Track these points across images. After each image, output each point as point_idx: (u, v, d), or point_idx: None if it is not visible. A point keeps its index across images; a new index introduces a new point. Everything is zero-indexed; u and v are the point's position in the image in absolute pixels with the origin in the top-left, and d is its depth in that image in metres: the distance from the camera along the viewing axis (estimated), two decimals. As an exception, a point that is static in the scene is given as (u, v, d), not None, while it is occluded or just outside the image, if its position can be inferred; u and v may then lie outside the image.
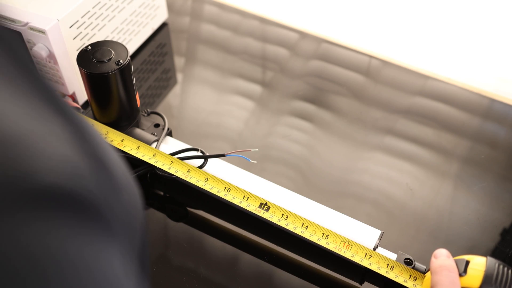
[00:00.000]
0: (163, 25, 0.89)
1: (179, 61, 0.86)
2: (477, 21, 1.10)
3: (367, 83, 0.82)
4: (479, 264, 0.48)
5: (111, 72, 0.60)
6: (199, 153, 0.63)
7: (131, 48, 0.82)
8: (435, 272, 0.49)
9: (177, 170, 0.60)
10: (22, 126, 0.20)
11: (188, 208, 0.65)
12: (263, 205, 0.58)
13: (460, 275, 0.48)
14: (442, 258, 0.50)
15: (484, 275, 0.47)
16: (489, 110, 0.79)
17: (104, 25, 0.74)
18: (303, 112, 0.77)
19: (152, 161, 0.61)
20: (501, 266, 0.47)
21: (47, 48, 0.66)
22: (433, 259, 0.50)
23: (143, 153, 0.61)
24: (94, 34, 0.72)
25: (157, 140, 0.65)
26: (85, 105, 0.74)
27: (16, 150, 0.19)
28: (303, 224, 0.56)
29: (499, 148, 0.74)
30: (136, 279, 0.24)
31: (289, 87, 0.81)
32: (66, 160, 0.21)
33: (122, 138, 0.63)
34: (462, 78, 0.83)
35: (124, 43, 0.79)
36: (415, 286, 0.52)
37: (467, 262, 0.48)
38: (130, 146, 0.62)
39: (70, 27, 0.67)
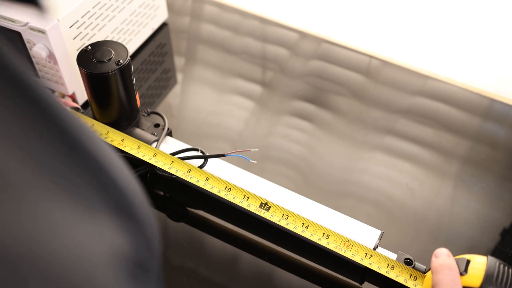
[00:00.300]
0: (163, 25, 0.89)
1: (179, 61, 0.86)
2: (477, 21, 1.10)
3: (367, 83, 0.82)
4: (479, 263, 0.48)
5: (111, 72, 0.60)
6: (199, 153, 0.63)
7: (131, 48, 0.82)
8: (436, 271, 0.49)
9: (178, 170, 0.60)
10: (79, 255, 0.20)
11: (188, 208, 0.65)
12: (263, 205, 0.58)
13: (461, 274, 0.48)
14: (443, 257, 0.50)
15: (485, 274, 0.47)
16: (489, 110, 0.79)
17: (104, 25, 0.74)
18: (303, 112, 0.77)
19: (152, 161, 0.61)
20: (501, 265, 0.47)
21: (47, 48, 0.66)
22: (433, 258, 0.50)
23: (144, 153, 0.61)
24: (94, 34, 0.72)
25: (157, 140, 0.65)
26: (85, 105, 0.74)
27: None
28: (303, 224, 0.56)
29: (499, 148, 0.74)
30: None
31: (289, 87, 0.81)
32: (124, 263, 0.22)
33: (122, 138, 0.63)
34: (462, 78, 0.83)
35: (124, 43, 0.79)
36: (415, 285, 0.52)
37: (468, 261, 0.48)
38: (131, 146, 0.62)
39: (70, 27, 0.67)
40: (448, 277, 0.47)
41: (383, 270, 0.53)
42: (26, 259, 0.18)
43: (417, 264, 0.54)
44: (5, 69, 0.21)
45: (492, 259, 0.48)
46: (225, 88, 0.81)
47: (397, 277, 0.53)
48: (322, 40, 0.88)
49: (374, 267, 0.54)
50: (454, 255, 0.51)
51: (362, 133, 0.74)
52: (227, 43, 0.88)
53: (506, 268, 0.47)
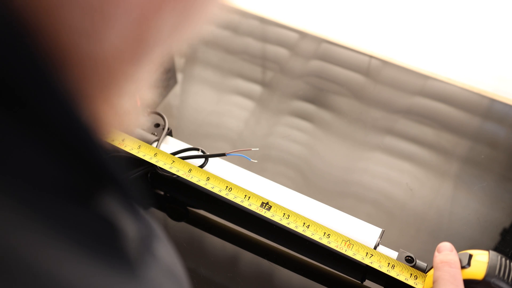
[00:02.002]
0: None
1: (179, 61, 0.86)
2: (477, 21, 1.10)
3: (367, 83, 0.82)
4: (482, 257, 0.49)
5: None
6: (199, 153, 0.63)
7: (131, 48, 0.82)
8: (437, 267, 0.49)
9: (179, 169, 0.60)
10: None
11: (189, 208, 0.65)
12: (264, 204, 0.58)
13: (464, 267, 0.49)
14: (444, 252, 0.50)
15: (488, 267, 0.48)
16: (489, 110, 0.79)
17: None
18: (303, 112, 0.77)
19: (153, 161, 0.61)
20: (503, 259, 0.49)
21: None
22: (436, 253, 0.51)
23: (144, 153, 0.61)
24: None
25: (158, 140, 0.65)
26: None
27: None
28: (304, 223, 0.56)
29: (499, 148, 0.74)
30: None
31: (289, 87, 0.81)
32: None
33: (123, 138, 0.63)
34: (462, 78, 0.83)
35: (124, 43, 0.79)
36: (416, 284, 0.52)
37: (471, 256, 0.49)
38: (131, 145, 0.62)
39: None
40: (448, 273, 0.48)
41: (383, 269, 0.54)
42: None
43: (418, 262, 0.54)
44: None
45: (494, 253, 0.49)
46: (225, 88, 0.81)
47: (398, 276, 0.53)
48: (322, 40, 0.88)
49: (375, 266, 0.54)
50: (454, 254, 0.51)
51: (362, 133, 0.74)
52: (227, 43, 0.88)
53: (508, 261, 0.48)
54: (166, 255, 0.26)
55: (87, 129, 0.18)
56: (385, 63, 0.85)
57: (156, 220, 0.27)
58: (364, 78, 0.83)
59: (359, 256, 0.54)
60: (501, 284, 0.47)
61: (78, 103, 0.18)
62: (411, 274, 0.53)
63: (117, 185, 0.21)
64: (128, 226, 0.22)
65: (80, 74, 0.18)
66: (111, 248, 0.20)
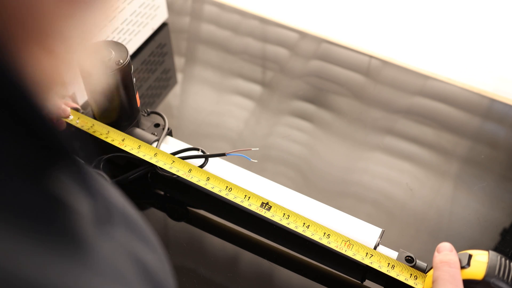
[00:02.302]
0: (163, 25, 0.89)
1: (179, 61, 0.86)
2: (477, 21, 1.10)
3: (367, 83, 0.82)
4: (482, 257, 0.49)
5: (111, 72, 0.60)
6: (199, 153, 0.63)
7: (131, 48, 0.82)
8: (436, 267, 0.49)
9: (179, 169, 0.60)
10: None
11: (189, 208, 0.65)
12: (264, 204, 0.58)
13: (464, 267, 0.49)
14: (444, 252, 0.50)
15: (487, 267, 0.48)
16: (489, 110, 0.79)
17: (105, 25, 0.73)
18: (303, 112, 0.77)
19: (153, 161, 0.61)
20: (503, 259, 0.49)
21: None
22: (435, 254, 0.51)
23: (144, 153, 0.61)
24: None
25: (158, 140, 0.65)
26: (85, 105, 0.74)
27: None
28: (304, 223, 0.56)
29: (499, 148, 0.74)
30: None
31: (289, 87, 0.81)
32: None
33: (123, 138, 0.63)
34: (462, 78, 0.83)
35: (124, 43, 0.79)
36: (416, 284, 0.52)
37: (470, 256, 0.49)
38: (131, 145, 0.62)
39: (71, 27, 0.67)
40: (447, 273, 0.48)
41: (383, 269, 0.54)
42: None
43: (418, 262, 0.54)
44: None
45: (493, 253, 0.49)
46: (225, 88, 0.81)
47: (398, 276, 0.53)
48: (322, 40, 0.88)
49: (375, 266, 0.54)
50: (454, 254, 0.51)
51: (362, 133, 0.74)
52: (227, 43, 0.88)
53: (507, 261, 0.48)
54: (125, 234, 0.23)
55: (24, 84, 0.15)
56: (385, 63, 0.85)
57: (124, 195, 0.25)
58: (364, 78, 0.83)
59: (359, 256, 0.54)
60: (501, 284, 0.47)
61: (12, 55, 0.15)
62: (411, 274, 0.53)
63: (70, 160, 0.19)
64: (81, 204, 0.20)
65: (10, 18, 0.15)
66: (60, 228, 0.19)
